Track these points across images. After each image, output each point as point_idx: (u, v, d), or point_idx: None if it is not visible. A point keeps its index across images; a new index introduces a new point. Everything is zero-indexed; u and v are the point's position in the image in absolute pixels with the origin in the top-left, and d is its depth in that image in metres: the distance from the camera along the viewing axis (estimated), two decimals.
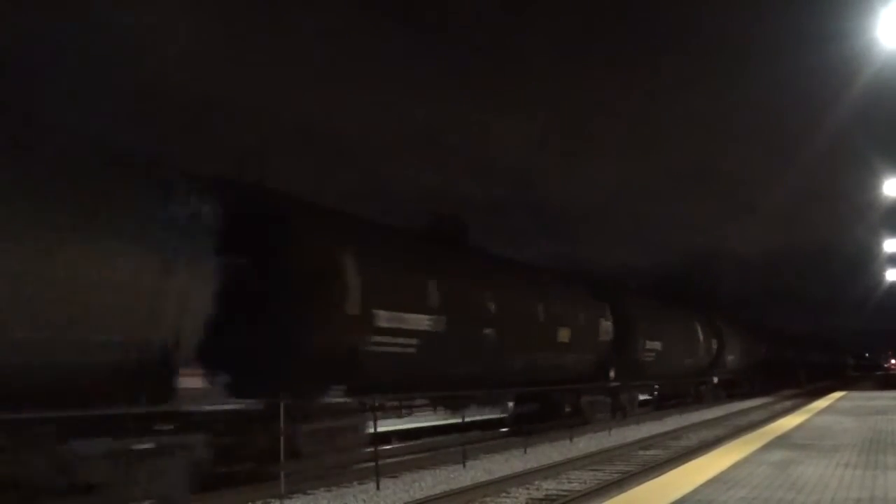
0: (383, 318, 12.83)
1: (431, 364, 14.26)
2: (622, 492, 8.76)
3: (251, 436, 10.74)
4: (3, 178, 7.71)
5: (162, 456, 9.35)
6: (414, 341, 13.64)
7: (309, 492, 11.41)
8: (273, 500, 10.62)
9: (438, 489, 11.82)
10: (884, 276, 39.46)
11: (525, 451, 16.49)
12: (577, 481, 13.12)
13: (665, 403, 30.33)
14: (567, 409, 20.96)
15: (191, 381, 9.60)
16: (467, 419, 17.15)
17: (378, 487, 11.80)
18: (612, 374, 23.37)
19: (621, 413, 24.36)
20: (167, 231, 9.28)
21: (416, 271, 14.27)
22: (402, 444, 17.23)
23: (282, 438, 10.57)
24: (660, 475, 9.56)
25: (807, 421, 17.07)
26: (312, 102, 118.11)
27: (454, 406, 16.86)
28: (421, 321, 13.82)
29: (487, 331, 16.04)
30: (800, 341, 67.28)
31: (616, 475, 13.50)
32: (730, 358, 38.52)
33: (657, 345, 27.06)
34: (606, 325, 22.83)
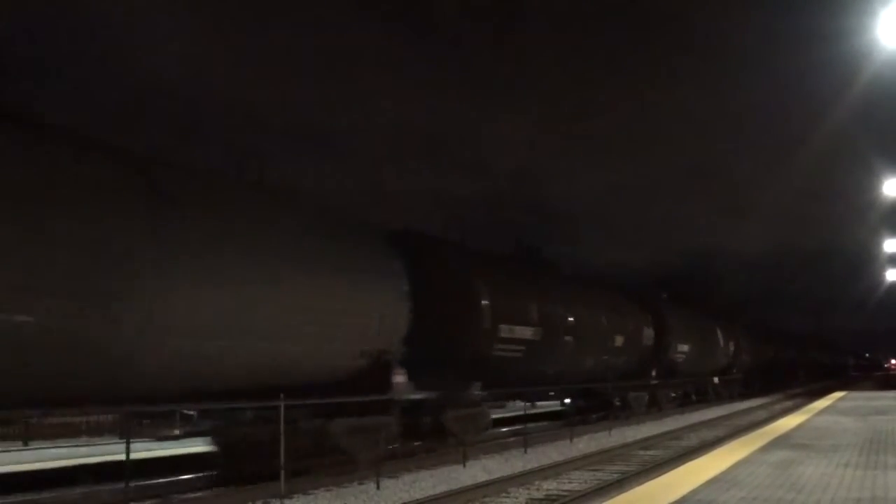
0: (504, 330, 16.66)
1: (530, 366, 18.13)
2: (622, 492, 8.85)
3: (422, 419, 14.61)
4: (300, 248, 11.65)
5: (375, 430, 13.21)
6: (522, 348, 17.47)
7: (309, 492, 11.46)
8: (273, 500, 10.71)
9: (438, 489, 11.78)
10: (884, 276, 39.34)
11: (525, 451, 16.56)
12: (577, 481, 13.15)
13: (687, 400, 34.14)
14: (617, 403, 24.85)
15: (399, 378, 13.33)
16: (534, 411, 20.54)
17: (378, 487, 11.87)
18: (653, 373, 27.31)
19: (657, 407, 28.25)
20: (382, 272, 13.21)
21: (524, 293, 18.12)
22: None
23: (282, 438, 10.67)
24: (660, 475, 9.67)
25: (807, 421, 17.36)
26: (312, 102, 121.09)
27: (534, 398, 20.68)
28: (526, 332, 17.64)
29: (568, 338, 19.90)
30: (800, 341, 69.84)
31: (616, 475, 13.53)
32: (744, 358, 42.43)
33: (686, 347, 30.98)
34: (649, 332, 26.79)
